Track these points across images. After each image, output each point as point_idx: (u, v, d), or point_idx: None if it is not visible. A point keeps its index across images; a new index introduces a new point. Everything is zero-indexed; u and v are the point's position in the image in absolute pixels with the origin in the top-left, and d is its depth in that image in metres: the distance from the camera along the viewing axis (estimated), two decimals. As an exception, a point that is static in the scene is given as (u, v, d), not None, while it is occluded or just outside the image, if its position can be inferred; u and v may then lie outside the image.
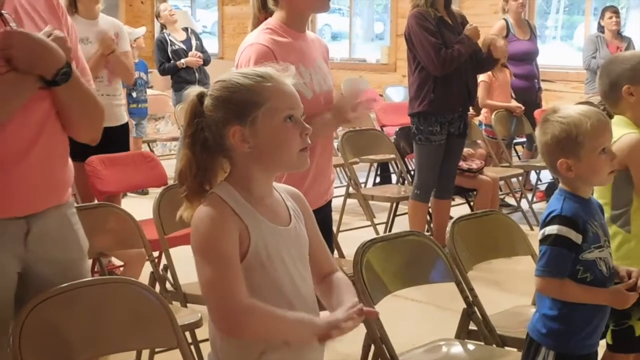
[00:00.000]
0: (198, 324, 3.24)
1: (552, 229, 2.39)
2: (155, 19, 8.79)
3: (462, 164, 5.83)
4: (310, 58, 3.14)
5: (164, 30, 8.39)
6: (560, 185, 2.51)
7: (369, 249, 2.91)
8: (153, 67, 8.75)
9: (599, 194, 2.96)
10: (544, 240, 2.41)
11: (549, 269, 2.40)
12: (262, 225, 1.94)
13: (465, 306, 3.17)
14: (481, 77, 6.78)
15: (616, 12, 8.07)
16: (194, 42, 8.33)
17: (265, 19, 3.17)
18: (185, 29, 8.47)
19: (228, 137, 1.92)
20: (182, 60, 8.09)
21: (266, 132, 1.92)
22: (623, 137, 2.89)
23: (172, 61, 8.11)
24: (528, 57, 7.53)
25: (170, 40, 8.23)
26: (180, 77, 8.13)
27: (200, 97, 1.96)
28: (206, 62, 8.25)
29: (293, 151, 1.95)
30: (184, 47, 8.22)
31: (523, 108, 7.12)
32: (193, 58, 8.07)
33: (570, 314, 2.44)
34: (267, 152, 1.93)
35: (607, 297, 2.45)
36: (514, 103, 7.18)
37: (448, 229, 3.24)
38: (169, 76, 8.26)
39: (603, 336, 2.92)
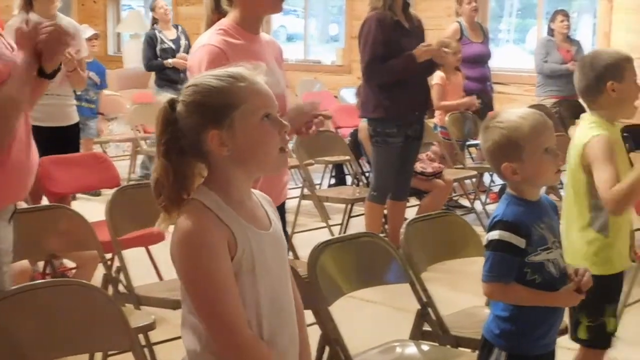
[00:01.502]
0: (152, 326, 3.20)
1: (494, 234, 2.40)
2: (150, 12, 8.70)
3: (416, 166, 5.85)
4: (264, 60, 3.10)
5: (155, 27, 8.35)
6: (507, 189, 2.51)
7: (324, 250, 2.91)
8: (109, 67, 8.66)
9: (575, 199, 3.00)
10: (487, 245, 2.44)
11: (493, 274, 2.41)
12: (247, 231, 1.89)
13: (419, 307, 3.18)
14: (434, 80, 6.82)
15: (566, 16, 8.16)
16: (183, 41, 8.31)
17: (219, 19, 3.15)
18: (176, 27, 8.44)
19: (206, 142, 1.86)
20: (170, 60, 8.08)
21: (245, 133, 1.87)
22: (592, 140, 2.92)
23: (159, 59, 8.09)
24: (481, 60, 7.59)
25: (160, 38, 8.21)
26: (165, 75, 8.12)
27: (172, 103, 1.90)
28: None
29: (273, 151, 1.91)
30: (172, 46, 8.20)
31: (478, 99, 7.13)
32: (180, 60, 8.02)
33: (521, 315, 2.45)
34: (247, 154, 1.89)
35: (554, 298, 2.46)
36: (466, 98, 7.19)
37: (402, 230, 3.25)
38: (125, 77, 8.19)
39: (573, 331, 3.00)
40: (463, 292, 4.64)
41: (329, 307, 2.82)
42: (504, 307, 2.49)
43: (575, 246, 3.03)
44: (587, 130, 2.99)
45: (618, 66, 2.99)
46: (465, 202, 7.13)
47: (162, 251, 4.45)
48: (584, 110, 8.42)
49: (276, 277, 1.95)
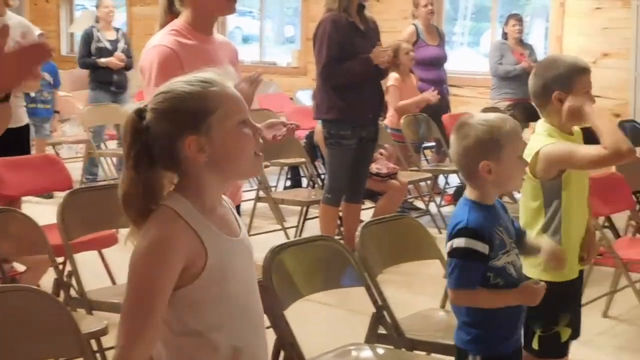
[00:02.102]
0: (104, 331, 3.16)
1: (459, 242, 2.41)
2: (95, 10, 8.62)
3: (371, 167, 5.85)
4: (217, 61, 3.06)
5: (94, 25, 8.24)
6: (466, 194, 2.52)
7: (279, 253, 2.89)
8: (63, 68, 8.56)
9: (527, 206, 3.01)
10: (451, 253, 2.44)
11: (459, 282, 2.42)
12: (218, 239, 1.86)
13: (374, 310, 3.17)
14: (390, 82, 6.83)
15: (519, 20, 8.23)
16: (121, 44, 8.20)
17: (172, 20, 3.11)
18: (117, 30, 8.33)
19: (182, 149, 1.82)
20: (103, 60, 7.97)
21: (223, 138, 1.84)
22: (545, 148, 2.91)
23: (93, 57, 7.99)
24: (437, 63, 7.63)
25: (97, 37, 8.09)
26: (97, 76, 8.01)
27: (140, 113, 1.85)
28: (128, 67, 8.10)
29: (249, 155, 1.88)
30: (109, 47, 8.09)
31: (437, 93, 7.11)
32: (115, 59, 7.92)
33: (486, 318, 2.48)
34: (224, 159, 1.85)
35: (517, 297, 2.48)
36: (423, 93, 7.16)
37: (358, 232, 3.24)
38: (79, 77, 8.09)
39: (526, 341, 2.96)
40: (417, 294, 4.67)
41: (284, 310, 2.79)
42: (467, 313, 2.50)
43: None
44: (540, 138, 2.99)
45: (567, 77, 2.94)
46: (420, 204, 7.15)
47: (115, 255, 4.44)
48: (537, 114, 8.55)
49: (246, 284, 1.93)
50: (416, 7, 7.63)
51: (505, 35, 8.28)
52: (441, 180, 7.76)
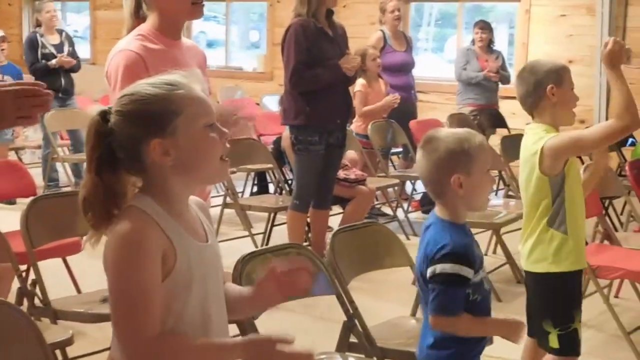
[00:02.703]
0: (69, 341, 3.09)
1: (445, 267, 2.35)
2: (34, 18, 8.47)
3: (339, 173, 5.82)
4: (185, 66, 2.97)
5: (37, 30, 8.10)
6: (438, 214, 2.46)
7: (249, 262, 2.85)
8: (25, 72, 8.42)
9: (533, 203, 3.07)
10: (435, 278, 2.37)
11: (443, 309, 2.37)
12: (187, 243, 1.83)
13: (345, 319, 3.13)
14: (357, 87, 6.81)
15: (486, 26, 8.24)
16: (66, 48, 8.08)
17: (139, 24, 3.05)
18: (60, 33, 8.19)
19: (147, 152, 1.79)
20: (53, 61, 7.86)
21: (189, 141, 1.80)
22: (549, 141, 3.01)
23: (43, 61, 7.86)
24: (404, 68, 7.63)
25: (42, 42, 7.95)
26: (45, 81, 7.82)
27: (104, 115, 1.81)
28: (75, 68, 8.00)
29: (216, 159, 1.85)
30: (54, 51, 7.96)
31: (399, 96, 7.10)
32: (64, 58, 7.81)
33: (455, 340, 2.44)
34: (190, 162, 1.82)
35: (499, 329, 2.47)
36: (386, 97, 7.11)
37: (328, 240, 3.20)
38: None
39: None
40: (385, 301, 4.64)
41: (254, 320, 2.75)
42: (434, 337, 2.46)
43: (536, 249, 3.10)
44: (538, 136, 3.06)
45: (558, 72, 3.09)
46: (387, 210, 7.13)
47: (80, 262, 4.36)
48: (503, 120, 8.59)
49: (212, 291, 1.89)
50: (383, 13, 7.63)
51: (473, 42, 8.30)
52: (408, 186, 7.76)
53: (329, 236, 5.70)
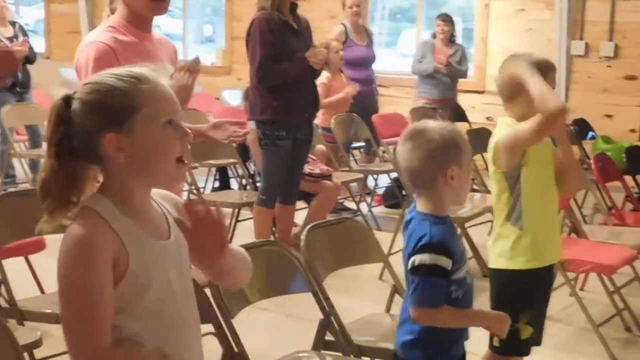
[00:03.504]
0: (37, 343, 3.01)
1: (424, 258, 2.33)
2: None
3: (304, 168, 5.76)
4: (155, 59, 2.94)
5: None
6: (419, 209, 2.44)
7: (225, 259, 2.78)
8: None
9: (496, 197, 3.04)
10: (415, 269, 2.34)
11: (424, 300, 2.34)
12: (143, 243, 1.76)
13: (320, 316, 3.09)
14: (320, 80, 6.76)
15: (446, 20, 8.24)
16: (20, 39, 7.89)
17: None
18: (13, 24, 8.00)
19: (102, 145, 1.72)
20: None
21: (144, 138, 1.73)
22: (502, 138, 2.98)
23: None
24: (365, 62, 7.61)
25: None
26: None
27: (67, 100, 1.75)
28: (32, 59, 7.83)
29: (171, 160, 1.78)
30: (8, 44, 7.77)
31: (359, 88, 7.10)
32: (19, 47, 7.63)
33: (433, 334, 2.42)
34: (145, 161, 1.75)
35: (485, 321, 2.46)
36: (346, 89, 7.11)
37: (303, 237, 3.15)
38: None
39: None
40: (357, 298, 4.61)
41: (231, 319, 2.69)
42: (411, 331, 2.44)
43: (497, 245, 3.07)
44: (499, 131, 3.03)
45: (542, 68, 2.98)
46: (351, 204, 7.11)
47: (43, 262, 4.26)
48: (463, 114, 8.61)
49: (177, 290, 1.82)
50: (343, 7, 7.60)
51: (434, 35, 8.30)
52: (370, 180, 7.74)
53: (294, 231, 5.71)
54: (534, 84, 2.86)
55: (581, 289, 4.93)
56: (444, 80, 8.08)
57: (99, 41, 2.86)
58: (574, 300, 4.51)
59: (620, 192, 5.80)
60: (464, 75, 8.21)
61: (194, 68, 2.98)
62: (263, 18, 5.06)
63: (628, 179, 5.85)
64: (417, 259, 2.34)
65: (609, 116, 8.43)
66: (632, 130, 8.35)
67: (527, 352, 3.05)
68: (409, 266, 2.36)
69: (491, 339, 2.99)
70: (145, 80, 1.76)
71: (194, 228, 1.80)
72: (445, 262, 2.33)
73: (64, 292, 1.70)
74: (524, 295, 2.98)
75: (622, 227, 5.07)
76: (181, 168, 1.81)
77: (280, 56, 5.05)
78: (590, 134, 7.66)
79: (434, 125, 2.43)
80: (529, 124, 2.88)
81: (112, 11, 3.00)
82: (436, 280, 2.33)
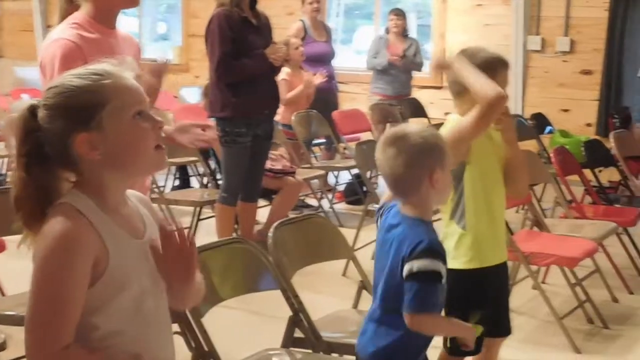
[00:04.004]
0: (2, 346, 2.96)
1: (424, 264, 2.27)
2: None
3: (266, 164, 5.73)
4: (121, 55, 2.91)
5: None
6: (406, 213, 2.40)
7: (193, 258, 2.75)
8: None
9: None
10: (414, 276, 2.28)
11: (424, 306, 2.30)
12: (122, 241, 1.75)
13: (287, 314, 3.08)
14: (281, 76, 6.75)
15: (399, 14, 8.24)
16: None
17: (74, 12, 2.92)
18: None
19: (74, 147, 1.70)
20: None
21: (116, 133, 1.72)
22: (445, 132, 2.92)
23: None
24: (325, 59, 7.61)
25: None
26: None
27: (32, 109, 1.73)
28: None
29: (149, 149, 1.76)
30: None
31: (325, 72, 7.11)
32: None
33: (410, 340, 2.39)
34: (121, 155, 1.73)
35: (466, 332, 2.47)
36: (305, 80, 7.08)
37: (270, 234, 3.13)
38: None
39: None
40: (322, 295, 4.60)
41: (201, 317, 2.66)
42: (386, 337, 2.40)
43: (443, 243, 3.01)
44: (445, 128, 3.00)
45: (494, 64, 2.95)
46: (312, 201, 7.10)
47: (3, 264, 4.18)
48: (422, 110, 8.63)
49: (150, 288, 1.81)
50: (303, 3, 7.57)
51: (387, 30, 8.31)
52: (331, 178, 7.73)
53: (256, 228, 5.68)
54: (469, 74, 2.84)
55: (543, 282, 4.97)
56: (399, 77, 8.10)
57: (64, 38, 2.81)
58: (537, 293, 4.57)
59: (580, 186, 5.87)
60: (419, 68, 8.22)
61: (162, 69, 2.95)
62: (222, 14, 5.02)
63: (587, 172, 5.91)
64: (416, 265, 2.28)
65: (565, 110, 8.52)
66: (589, 125, 8.45)
67: (478, 350, 3.03)
68: (406, 272, 2.30)
69: (445, 339, 2.98)
70: (108, 75, 1.75)
71: (165, 251, 1.80)
72: (442, 268, 2.30)
73: (39, 287, 1.67)
74: (472, 295, 2.92)
75: (582, 220, 5.12)
76: (161, 154, 1.80)
77: (240, 53, 5.03)
78: (548, 128, 7.74)
79: (415, 129, 2.40)
80: (469, 116, 2.84)
81: (68, 10, 2.93)
82: (435, 285, 2.29)
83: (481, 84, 2.83)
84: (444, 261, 2.32)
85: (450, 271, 2.92)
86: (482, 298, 2.98)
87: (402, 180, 2.37)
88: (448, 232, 3.01)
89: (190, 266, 1.83)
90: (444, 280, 2.33)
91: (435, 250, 2.30)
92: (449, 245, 2.95)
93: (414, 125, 2.49)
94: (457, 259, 2.94)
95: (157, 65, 2.94)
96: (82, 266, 1.67)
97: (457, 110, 3.02)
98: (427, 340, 2.47)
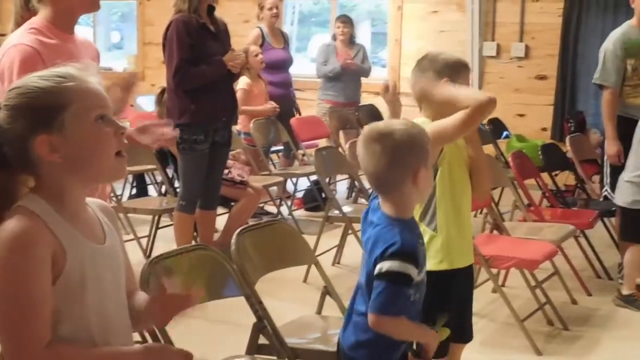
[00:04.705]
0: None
1: (393, 265, 2.26)
2: None
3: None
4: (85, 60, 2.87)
5: None
6: (386, 211, 2.38)
7: (155, 265, 2.73)
8: None
9: None
10: (382, 275, 2.28)
11: (386, 307, 2.29)
12: (80, 244, 1.72)
13: (249, 321, 3.05)
14: (240, 85, 6.74)
15: (346, 21, 8.24)
16: None
17: (30, 17, 2.88)
18: None
19: (34, 149, 1.68)
20: None
21: (77, 137, 1.70)
22: None
23: None
24: (283, 66, 7.59)
25: None
26: None
27: None
28: None
29: (110, 155, 1.74)
30: None
31: (278, 107, 7.13)
32: None
33: (383, 338, 2.39)
34: (81, 159, 1.71)
35: (431, 338, 2.44)
36: (268, 105, 7.16)
37: (233, 240, 3.11)
38: None
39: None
40: (283, 301, 4.57)
41: (164, 326, 2.62)
42: (364, 330, 2.39)
43: None
44: None
45: (456, 67, 3.00)
46: (271, 208, 7.08)
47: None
48: (381, 116, 8.65)
49: (111, 295, 1.79)
50: (261, 9, 7.55)
51: (334, 37, 8.31)
52: (289, 185, 7.72)
53: (215, 237, 5.64)
54: (452, 91, 2.87)
55: (503, 285, 5.00)
56: (350, 83, 8.10)
57: (22, 43, 2.77)
58: (497, 296, 4.59)
59: (537, 190, 5.93)
60: (367, 74, 8.22)
61: (130, 83, 2.93)
62: (180, 20, 4.98)
63: (544, 176, 5.97)
64: (386, 265, 2.27)
65: (521, 115, 8.61)
66: (544, 129, 8.55)
67: (445, 353, 3.03)
68: (376, 272, 2.29)
69: (411, 343, 2.98)
70: (71, 78, 1.73)
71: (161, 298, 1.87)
72: (413, 271, 2.28)
73: (2, 289, 1.64)
74: (440, 297, 2.91)
75: (541, 223, 5.17)
76: (122, 161, 1.78)
77: (198, 59, 4.99)
78: (505, 133, 7.81)
79: (401, 126, 2.37)
80: (454, 118, 2.84)
81: (24, 17, 2.89)
82: (402, 288, 2.28)
83: (470, 92, 2.90)
84: (416, 264, 2.30)
85: None
86: (450, 300, 2.99)
87: (385, 179, 2.36)
88: None
89: (173, 314, 1.90)
90: (419, 278, 2.33)
91: (407, 253, 2.28)
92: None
93: (398, 121, 2.44)
94: (427, 261, 2.92)
95: (127, 79, 2.91)
96: (42, 261, 1.64)
97: (424, 113, 3.03)
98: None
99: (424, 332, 2.43)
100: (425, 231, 2.96)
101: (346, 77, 8.02)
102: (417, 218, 2.97)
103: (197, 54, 4.98)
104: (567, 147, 6.27)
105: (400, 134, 2.33)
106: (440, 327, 2.86)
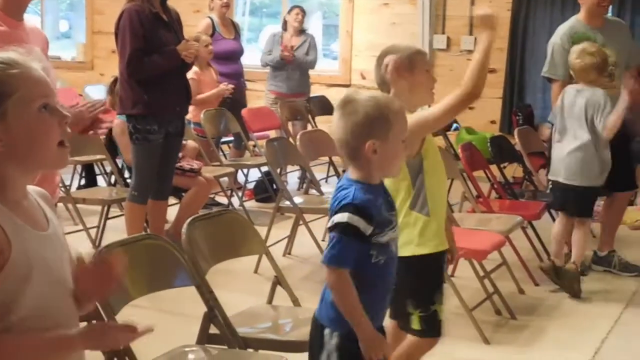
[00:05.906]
0: None
1: (343, 217, 2.29)
2: None
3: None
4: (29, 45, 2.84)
5: None
6: (349, 175, 2.41)
7: (105, 254, 2.69)
8: None
9: (395, 187, 2.99)
10: (332, 228, 2.31)
11: (332, 257, 2.31)
12: (24, 232, 1.70)
13: (198, 311, 3.05)
14: (189, 75, 6.67)
15: (301, 10, 8.24)
16: None
17: None
18: None
19: None
20: None
21: (20, 125, 1.68)
22: None
23: None
24: (233, 56, 7.57)
25: None
26: None
27: None
28: None
29: (52, 145, 1.73)
30: None
31: (232, 87, 7.11)
32: None
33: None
34: (22, 148, 1.70)
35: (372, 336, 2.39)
36: (218, 87, 7.12)
37: (184, 230, 3.10)
38: None
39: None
40: (233, 292, 4.56)
41: (115, 316, 2.61)
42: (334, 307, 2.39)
43: (402, 233, 2.99)
44: None
45: (409, 57, 3.07)
46: (222, 199, 7.06)
47: None
48: (332, 108, 8.69)
49: (57, 282, 1.78)
50: (211, 0, 7.52)
51: (285, 25, 8.28)
52: (240, 176, 7.70)
53: (166, 227, 5.61)
54: (479, 57, 3.05)
55: (452, 275, 5.05)
56: (294, 75, 8.09)
57: None
58: (447, 286, 4.62)
59: (486, 181, 6.00)
60: (311, 65, 8.21)
61: (94, 109, 2.93)
62: (133, 10, 4.94)
63: (493, 168, 6.04)
64: (336, 217, 2.30)
65: (471, 108, 8.58)
66: (493, 122, 8.64)
67: (442, 332, 3.15)
68: (328, 225, 2.33)
69: (409, 322, 3.07)
70: (15, 65, 1.71)
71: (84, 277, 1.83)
72: (363, 226, 2.29)
73: None
74: (437, 277, 3.10)
75: (489, 214, 5.23)
76: (64, 152, 1.77)
77: (151, 49, 4.95)
78: (454, 125, 7.87)
79: (363, 96, 2.39)
80: (439, 106, 2.98)
81: None
82: (349, 239, 2.29)
83: (477, 72, 3.02)
84: (369, 220, 2.31)
85: (414, 258, 2.98)
86: (442, 280, 3.16)
87: (344, 144, 2.38)
88: (409, 221, 3.05)
89: (108, 287, 1.87)
90: (382, 240, 2.35)
91: (357, 206, 2.30)
92: (410, 234, 3.04)
93: (373, 92, 2.47)
94: (425, 245, 3.05)
95: (92, 104, 2.92)
96: None
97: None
98: (384, 305, 2.49)
99: (365, 324, 2.37)
100: (419, 217, 3.04)
101: (289, 68, 8.01)
102: (407, 207, 3.05)
103: (150, 43, 4.94)
104: (515, 140, 6.35)
105: (362, 104, 2.35)
106: (438, 305, 2.96)
